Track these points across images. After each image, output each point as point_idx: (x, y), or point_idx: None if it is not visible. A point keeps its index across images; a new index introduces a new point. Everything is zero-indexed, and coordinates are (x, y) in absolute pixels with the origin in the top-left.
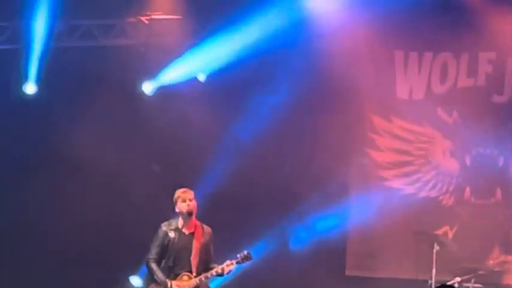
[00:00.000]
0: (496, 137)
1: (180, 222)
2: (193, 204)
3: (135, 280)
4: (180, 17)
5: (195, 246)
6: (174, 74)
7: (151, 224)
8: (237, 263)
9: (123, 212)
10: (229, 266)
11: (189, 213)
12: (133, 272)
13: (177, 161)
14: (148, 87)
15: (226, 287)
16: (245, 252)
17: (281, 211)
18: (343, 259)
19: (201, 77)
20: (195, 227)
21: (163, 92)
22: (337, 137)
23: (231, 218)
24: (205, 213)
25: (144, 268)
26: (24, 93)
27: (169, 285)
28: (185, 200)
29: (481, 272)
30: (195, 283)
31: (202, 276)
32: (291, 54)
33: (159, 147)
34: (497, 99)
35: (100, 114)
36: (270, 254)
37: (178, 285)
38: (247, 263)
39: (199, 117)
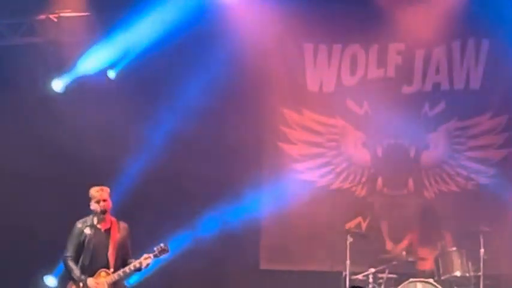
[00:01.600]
0: (406, 128)
1: (95, 219)
2: (107, 203)
3: (50, 280)
4: (88, 14)
5: (112, 242)
6: (84, 70)
7: (66, 223)
8: (154, 256)
9: (37, 211)
10: (146, 260)
11: (103, 212)
12: (48, 272)
13: (90, 159)
14: (58, 85)
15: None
16: (162, 245)
17: (195, 203)
18: (258, 253)
19: (111, 74)
20: (111, 223)
21: (75, 89)
22: (249, 131)
23: (146, 215)
24: (121, 210)
25: (59, 267)
26: None
27: (86, 282)
28: (99, 200)
29: (395, 263)
30: (113, 279)
31: (120, 272)
32: (200, 49)
33: (72, 145)
34: (406, 89)
35: (11, 113)
36: (184, 249)
37: (96, 282)
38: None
39: (111, 114)
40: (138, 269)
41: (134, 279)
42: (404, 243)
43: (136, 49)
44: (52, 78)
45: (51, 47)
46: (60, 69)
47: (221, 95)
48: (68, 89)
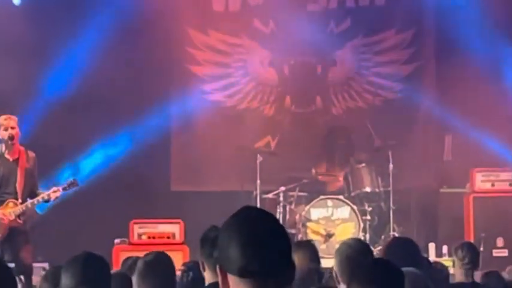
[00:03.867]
0: (313, 45)
1: (3, 147)
2: (15, 131)
3: None
4: None
5: (20, 172)
6: None
7: None
8: (63, 189)
9: None
10: (55, 193)
11: (10, 138)
12: None
13: None
14: None
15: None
16: (71, 178)
17: (105, 123)
18: (168, 174)
19: (16, 0)
20: (19, 152)
21: None
22: (158, 54)
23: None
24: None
25: None
26: None
27: None
28: (7, 127)
29: (305, 181)
30: (20, 209)
31: (28, 203)
32: None
33: None
34: (312, 7)
35: None
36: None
37: (3, 213)
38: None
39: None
40: (46, 201)
41: (44, 206)
42: (314, 160)
43: None
44: None
45: None
46: None
47: (129, 19)
48: None
